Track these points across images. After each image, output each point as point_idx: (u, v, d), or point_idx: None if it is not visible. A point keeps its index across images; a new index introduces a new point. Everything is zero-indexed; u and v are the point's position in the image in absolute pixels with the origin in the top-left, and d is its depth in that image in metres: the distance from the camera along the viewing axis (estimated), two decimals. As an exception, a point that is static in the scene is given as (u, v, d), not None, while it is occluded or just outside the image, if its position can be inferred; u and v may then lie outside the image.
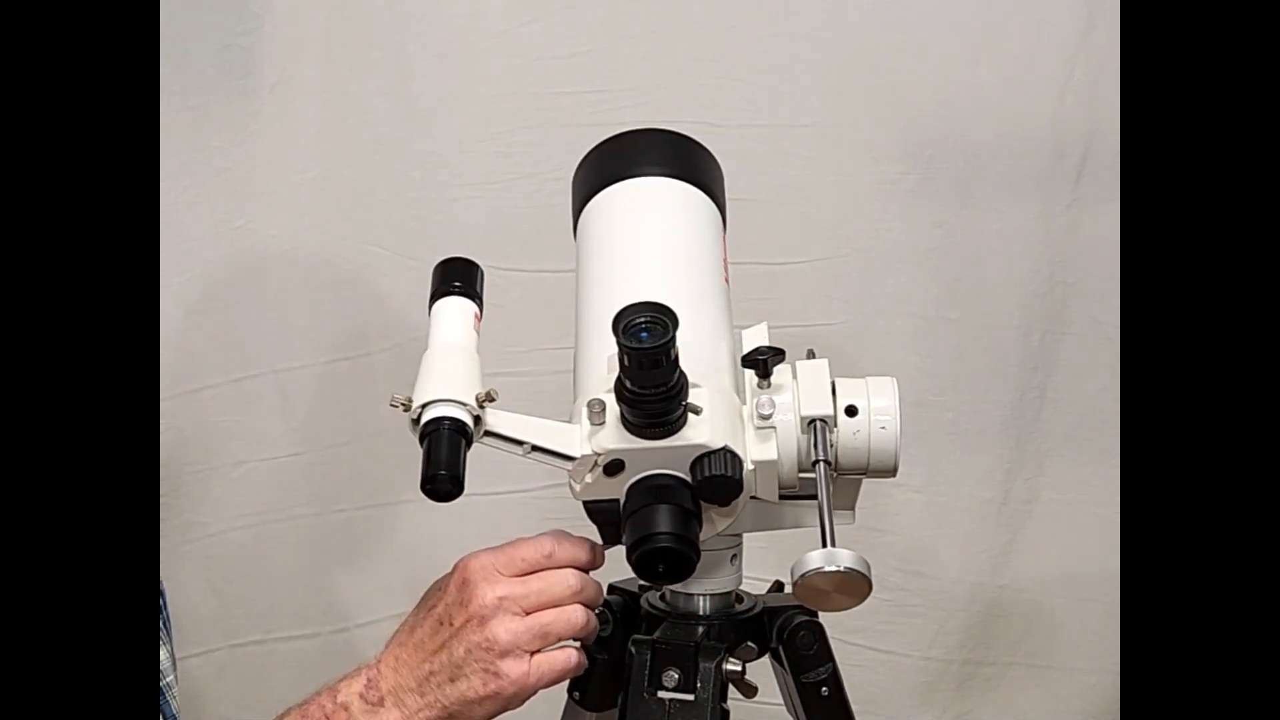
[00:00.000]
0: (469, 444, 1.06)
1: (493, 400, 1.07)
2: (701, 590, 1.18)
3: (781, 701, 1.25)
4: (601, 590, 1.12)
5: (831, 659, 1.19)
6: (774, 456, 1.06)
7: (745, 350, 1.10)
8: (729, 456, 1.03)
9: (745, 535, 1.18)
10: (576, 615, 1.09)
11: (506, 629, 1.06)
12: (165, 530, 1.78)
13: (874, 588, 1.80)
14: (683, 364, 1.04)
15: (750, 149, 1.74)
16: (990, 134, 1.78)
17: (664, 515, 1.03)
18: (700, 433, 1.03)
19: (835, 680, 1.19)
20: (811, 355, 1.13)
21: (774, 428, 1.07)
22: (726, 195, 1.27)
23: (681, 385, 1.02)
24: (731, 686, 1.14)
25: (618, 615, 1.21)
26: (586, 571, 1.11)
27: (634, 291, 1.07)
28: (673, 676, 1.11)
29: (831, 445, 1.08)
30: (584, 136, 1.78)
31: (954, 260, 1.81)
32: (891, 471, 1.10)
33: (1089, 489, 1.85)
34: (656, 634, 1.15)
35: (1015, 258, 1.81)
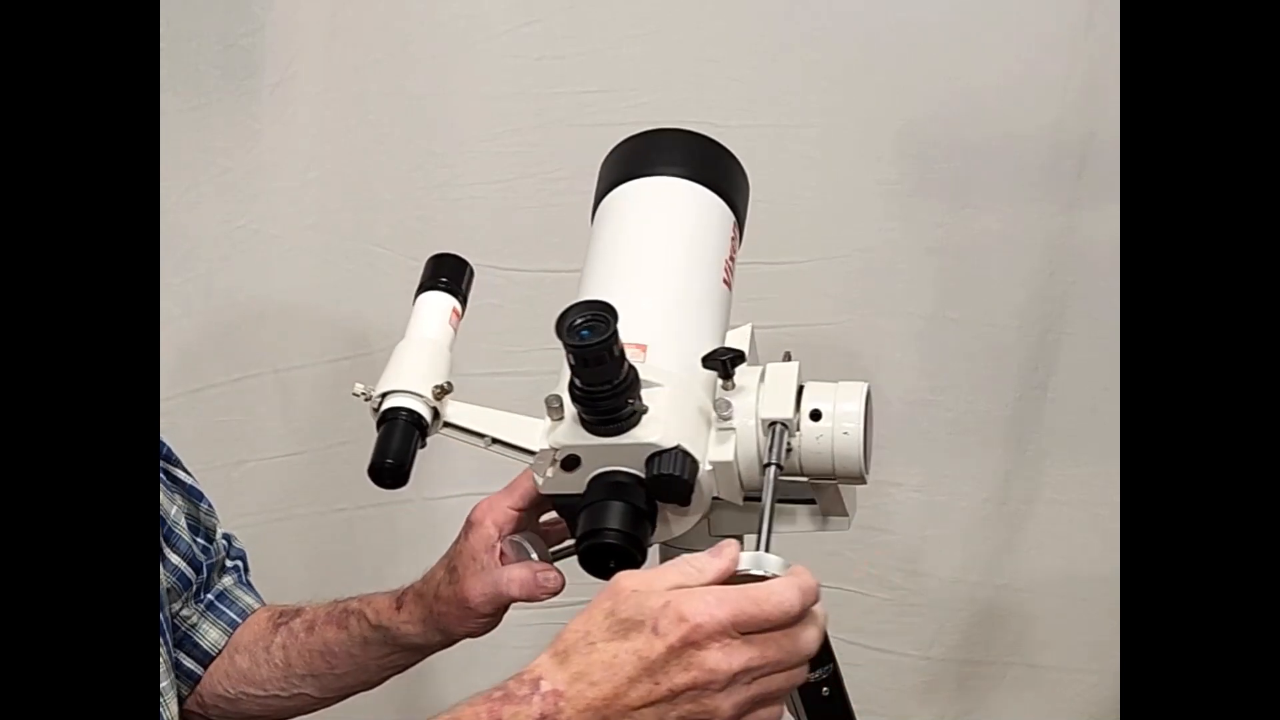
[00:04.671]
0: (423, 435, 1.08)
1: (447, 392, 1.09)
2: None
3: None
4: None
5: (833, 659, 1.19)
6: (730, 458, 1.06)
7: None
8: (681, 456, 1.03)
9: (745, 537, 1.18)
10: (799, 677, 0.96)
11: (733, 703, 0.91)
12: (166, 530, 1.78)
13: (871, 588, 1.81)
14: (651, 363, 1.06)
15: (750, 149, 1.73)
16: (990, 134, 1.78)
17: (614, 512, 1.02)
18: (652, 431, 1.03)
19: (836, 680, 1.19)
20: (788, 357, 1.12)
21: (733, 429, 1.06)
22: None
23: (630, 383, 1.02)
24: (732, 686, 1.14)
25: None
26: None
27: (616, 289, 1.09)
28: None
29: (790, 450, 1.06)
30: (584, 136, 1.79)
31: (954, 260, 1.82)
32: (859, 478, 1.09)
33: (1089, 489, 1.85)
34: (657, 634, 1.15)
35: (1015, 257, 1.81)
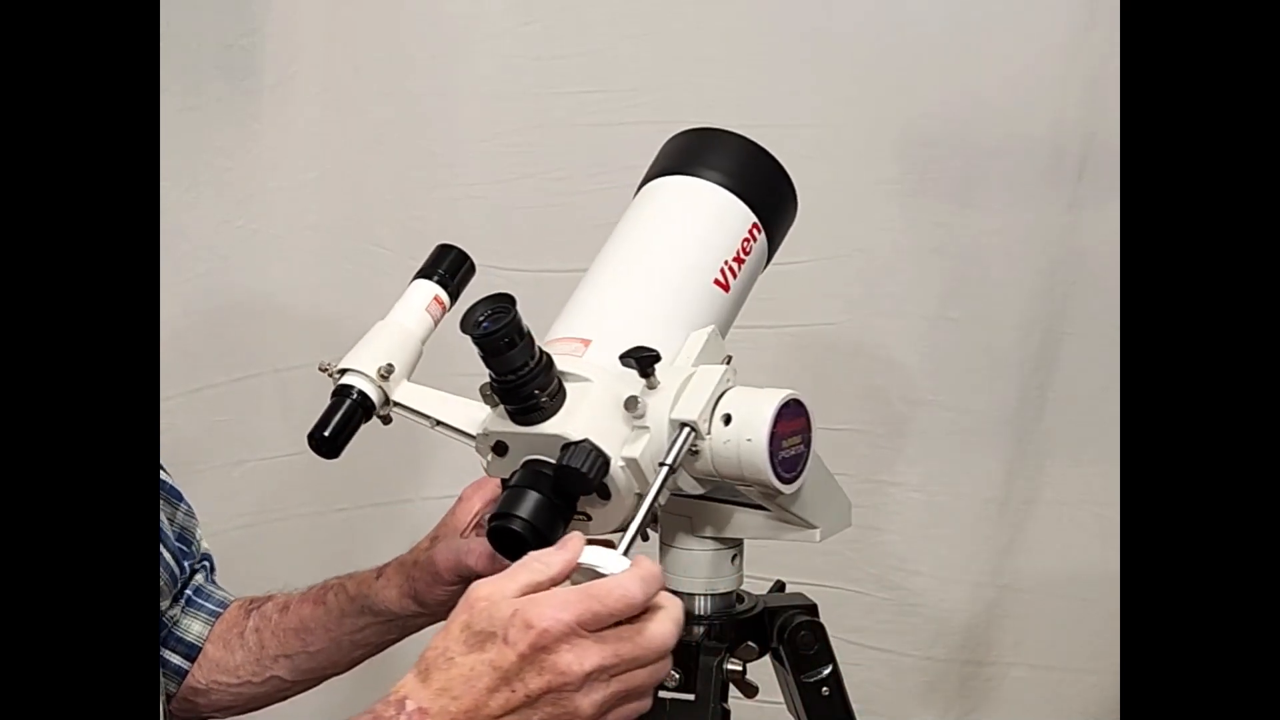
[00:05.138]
0: (368, 413, 1.14)
1: (390, 373, 1.14)
2: (702, 590, 1.18)
3: (782, 701, 1.25)
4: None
5: (832, 659, 1.20)
6: (636, 455, 1.07)
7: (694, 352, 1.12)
8: (588, 450, 1.04)
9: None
10: (663, 671, 0.98)
11: (592, 702, 0.94)
12: (166, 530, 1.78)
13: (871, 588, 1.79)
14: (588, 358, 1.08)
15: (750, 149, 1.74)
16: (991, 134, 1.78)
17: (523, 499, 1.04)
18: (562, 423, 1.06)
19: (836, 680, 1.20)
20: (727, 361, 1.12)
21: (648, 428, 1.07)
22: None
23: (537, 374, 1.04)
24: (732, 686, 1.14)
25: (618, 615, 1.21)
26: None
27: (591, 285, 1.15)
28: (673, 676, 1.11)
29: (697, 452, 1.07)
30: (584, 136, 1.79)
31: (954, 260, 1.82)
32: (771, 487, 1.07)
33: (1089, 489, 1.85)
34: (657, 634, 1.15)
35: (1015, 257, 1.81)
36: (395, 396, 1.16)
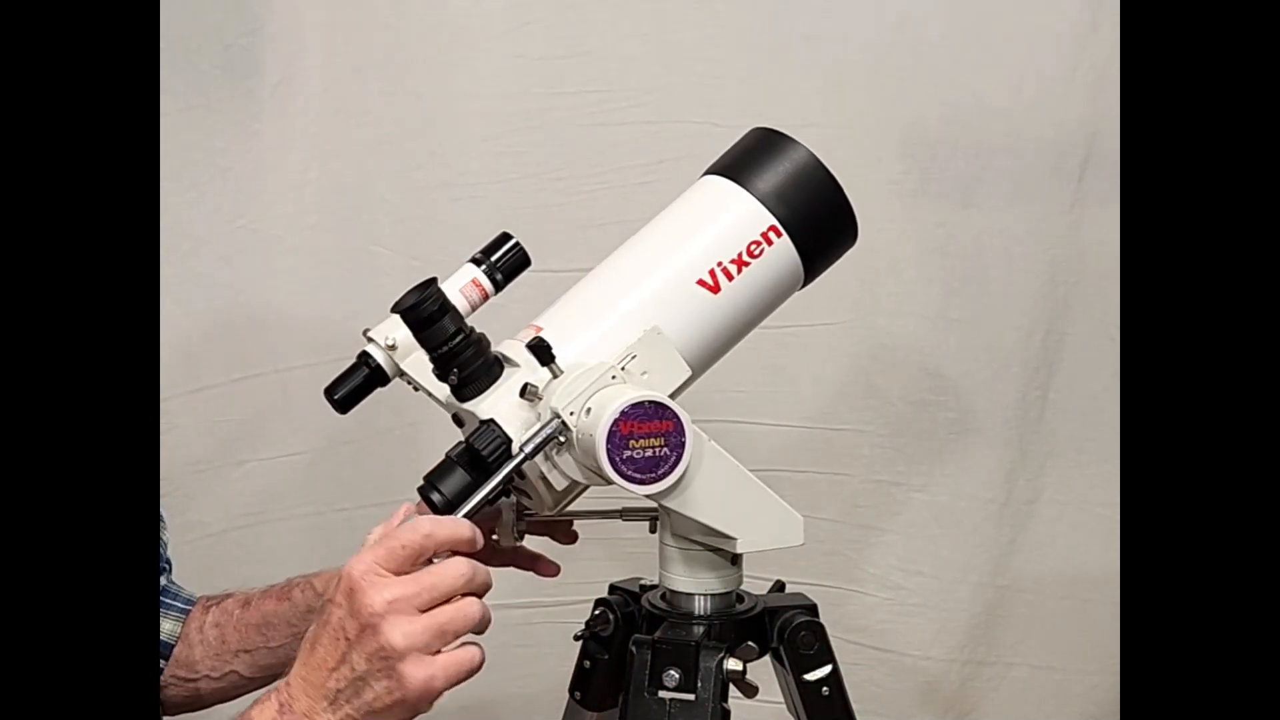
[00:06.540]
0: (382, 380, 1.22)
1: (393, 346, 1.21)
2: (702, 590, 1.18)
3: (782, 701, 1.25)
4: (491, 577, 1.07)
5: (832, 658, 1.20)
6: (524, 439, 1.11)
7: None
8: (489, 430, 1.11)
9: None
10: (473, 609, 1.05)
11: (402, 632, 1.02)
12: (166, 530, 1.78)
13: (872, 588, 1.79)
14: (531, 347, 1.12)
15: (751, 149, 1.74)
16: (992, 134, 1.78)
17: (448, 472, 1.13)
18: (476, 403, 1.14)
19: (836, 680, 1.20)
20: (629, 360, 1.14)
21: (539, 415, 1.12)
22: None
23: (456, 353, 1.12)
24: (732, 686, 1.14)
25: (619, 615, 1.21)
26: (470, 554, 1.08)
27: (591, 274, 1.21)
28: (673, 676, 1.12)
29: (562, 441, 1.11)
30: (584, 136, 1.79)
31: (956, 260, 1.82)
32: (609, 481, 1.09)
33: (1090, 489, 1.85)
34: (657, 634, 1.15)
35: (1017, 258, 1.81)
36: (404, 367, 1.21)
